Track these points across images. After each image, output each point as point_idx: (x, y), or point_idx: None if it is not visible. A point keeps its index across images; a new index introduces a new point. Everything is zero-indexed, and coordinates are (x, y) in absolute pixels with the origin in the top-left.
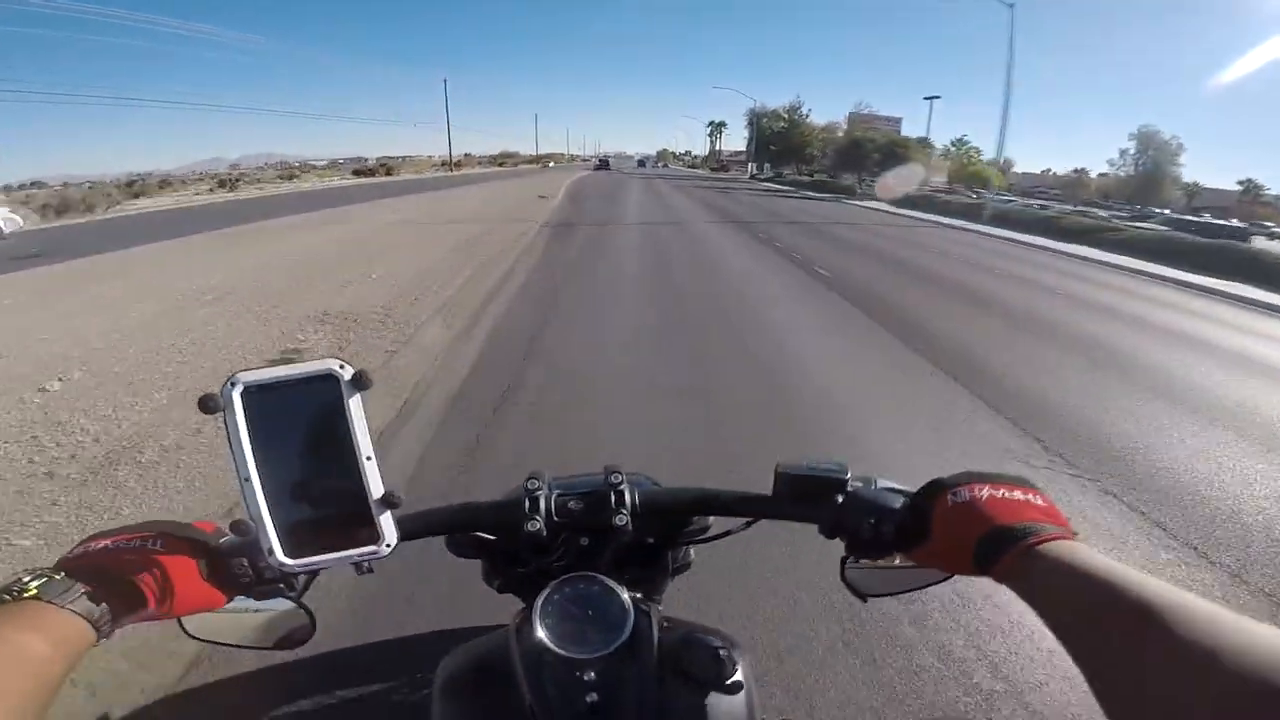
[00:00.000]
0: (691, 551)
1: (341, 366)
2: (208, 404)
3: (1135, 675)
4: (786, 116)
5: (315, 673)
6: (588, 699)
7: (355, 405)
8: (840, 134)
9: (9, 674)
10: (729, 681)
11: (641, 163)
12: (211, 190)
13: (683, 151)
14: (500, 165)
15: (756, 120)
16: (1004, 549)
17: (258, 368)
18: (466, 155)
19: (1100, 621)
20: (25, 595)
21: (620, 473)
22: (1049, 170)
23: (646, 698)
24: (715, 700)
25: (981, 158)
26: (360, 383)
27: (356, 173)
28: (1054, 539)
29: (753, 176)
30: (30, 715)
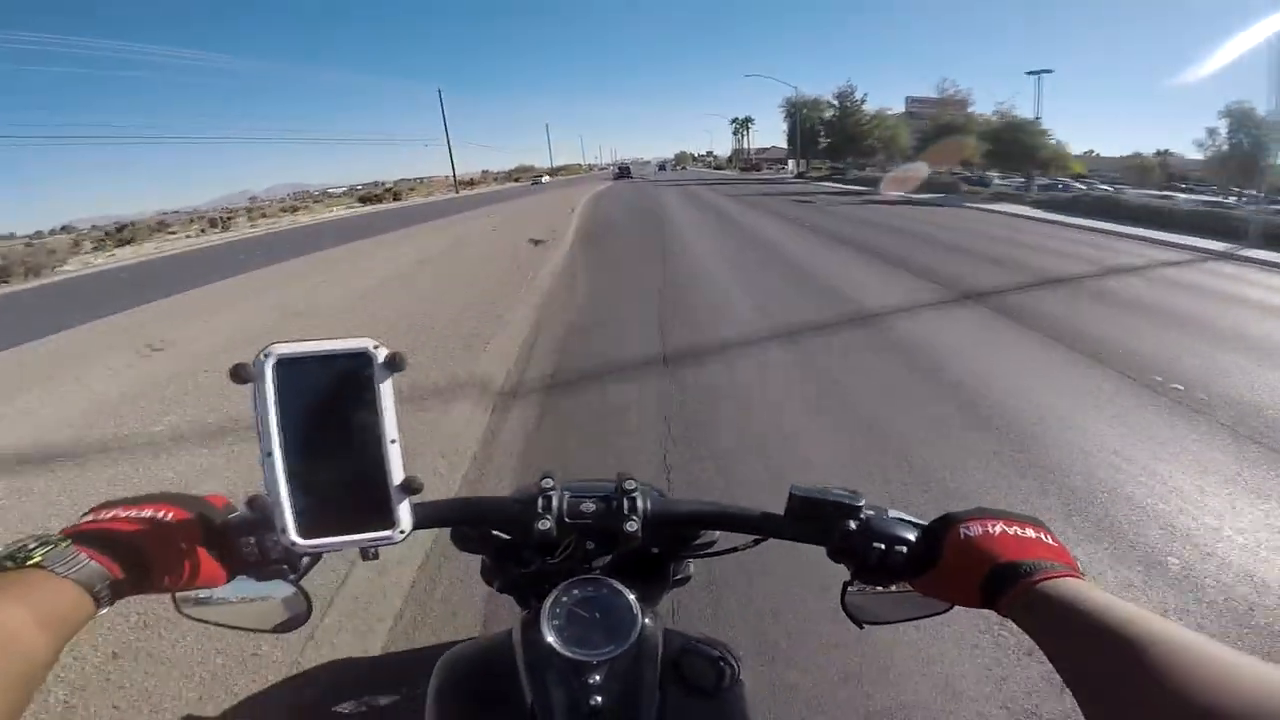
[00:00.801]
0: (691, 565)
1: (376, 346)
2: (240, 373)
3: (1129, 709)
4: (836, 104)
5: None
6: (591, 701)
7: (386, 387)
8: (890, 121)
9: (4, 633)
10: (729, 690)
11: (662, 167)
12: (203, 231)
13: (704, 153)
14: (516, 180)
15: (796, 111)
16: (1011, 584)
17: (294, 340)
18: (484, 172)
19: (1097, 656)
20: (29, 563)
21: (634, 480)
22: (1091, 151)
23: (649, 703)
24: (715, 708)
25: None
26: (394, 365)
27: (363, 199)
28: (1060, 576)
29: (800, 175)
30: (16, 688)
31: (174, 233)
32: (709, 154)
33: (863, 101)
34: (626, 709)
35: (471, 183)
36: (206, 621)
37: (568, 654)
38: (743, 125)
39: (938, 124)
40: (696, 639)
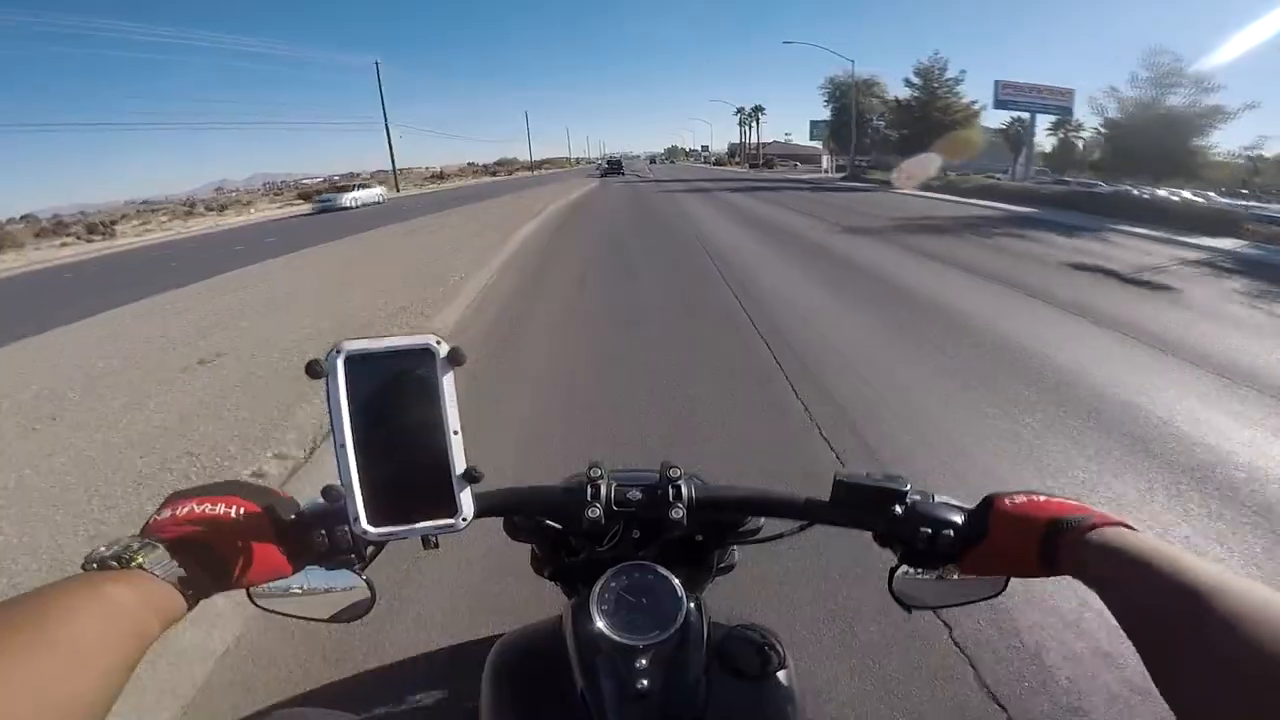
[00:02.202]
0: (737, 553)
1: (438, 342)
2: (313, 369)
3: (1195, 656)
4: (919, 82)
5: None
6: (639, 685)
7: (448, 381)
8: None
9: (112, 632)
10: (775, 675)
11: (652, 160)
12: (78, 238)
13: (699, 147)
14: (493, 175)
15: (844, 93)
16: (1065, 536)
17: (360, 337)
18: (470, 164)
19: (1161, 604)
20: (131, 564)
21: (678, 468)
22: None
23: (695, 687)
24: (761, 692)
25: None
26: (455, 359)
27: (301, 196)
28: (1113, 524)
29: (847, 176)
30: (124, 669)
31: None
32: (704, 148)
33: (957, 82)
34: (673, 692)
35: (442, 175)
36: (277, 612)
37: (615, 638)
38: (751, 115)
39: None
40: (741, 625)
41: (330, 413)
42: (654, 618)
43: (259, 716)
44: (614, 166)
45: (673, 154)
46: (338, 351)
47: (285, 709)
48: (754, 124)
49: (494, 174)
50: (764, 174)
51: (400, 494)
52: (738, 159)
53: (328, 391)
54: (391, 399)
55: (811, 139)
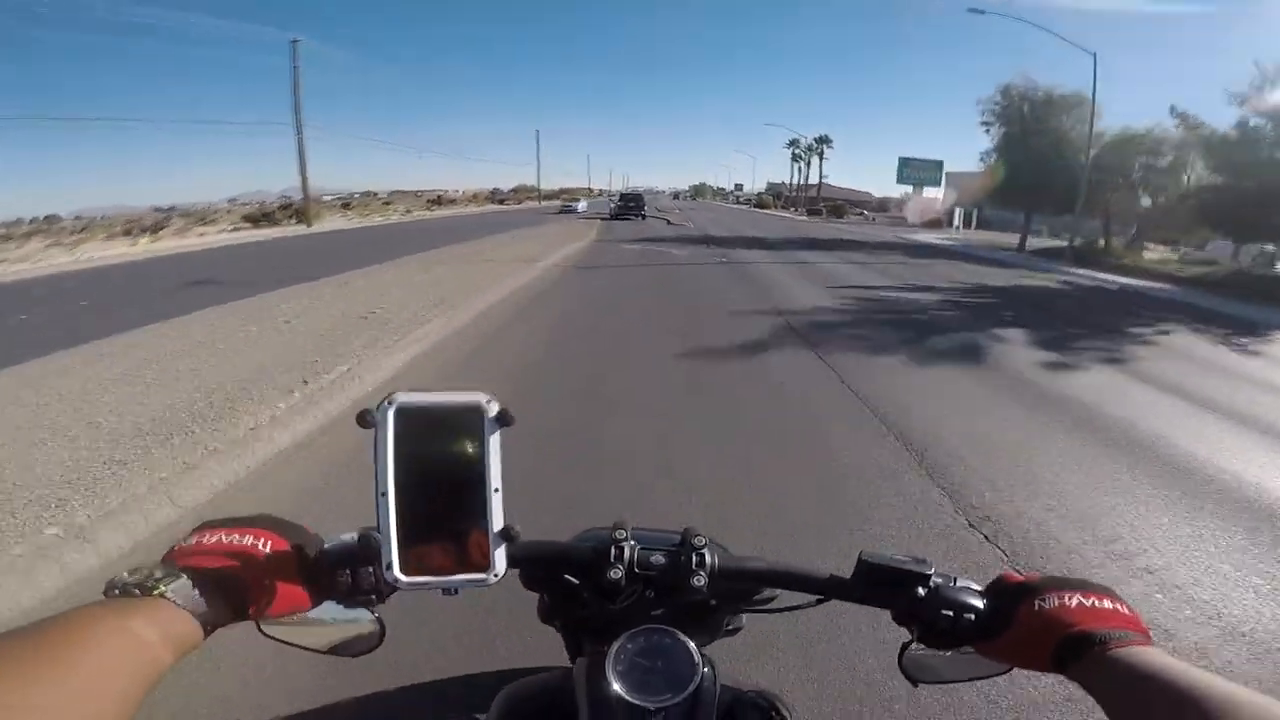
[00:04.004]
0: (744, 617)
1: (489, 401)
2: (365, 418)
3: None
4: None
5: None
6: None
7: (494, 440)
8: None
9: (128, 660)
10: None
11: (675, 196)
12: None
13: (733, 186)
14: (501, 204)
15: (1042, 114)
16: (1083, 651)
17: (415, 390)
18: (477, 192)
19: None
20: (154, 592)
21: (700, 535)
22: None
23: None
24: None
25: None
26: (503, 419)
27: (251, 219)
28: (1132, 645)
29: (1047, 255)
30: (136, 698)
31: None
32: (738, 187)
33: None
34: None
35: (440, 201)
36: (282, 641)
37: (629, 700)
38: (811, 150)
39: None
40: (750, 690)
41: (375, 461)
42: (668, 681)
43: None
44: (631, 204)
45: (699, 191)
46: (390, 403)
47: None
48: (815, 159)
49: (502, 202)
50: (840, 227)
51: (435, 545)
52: (785, 201)
53: (375, 441)
54: (437, 453)
55: (900, 181)
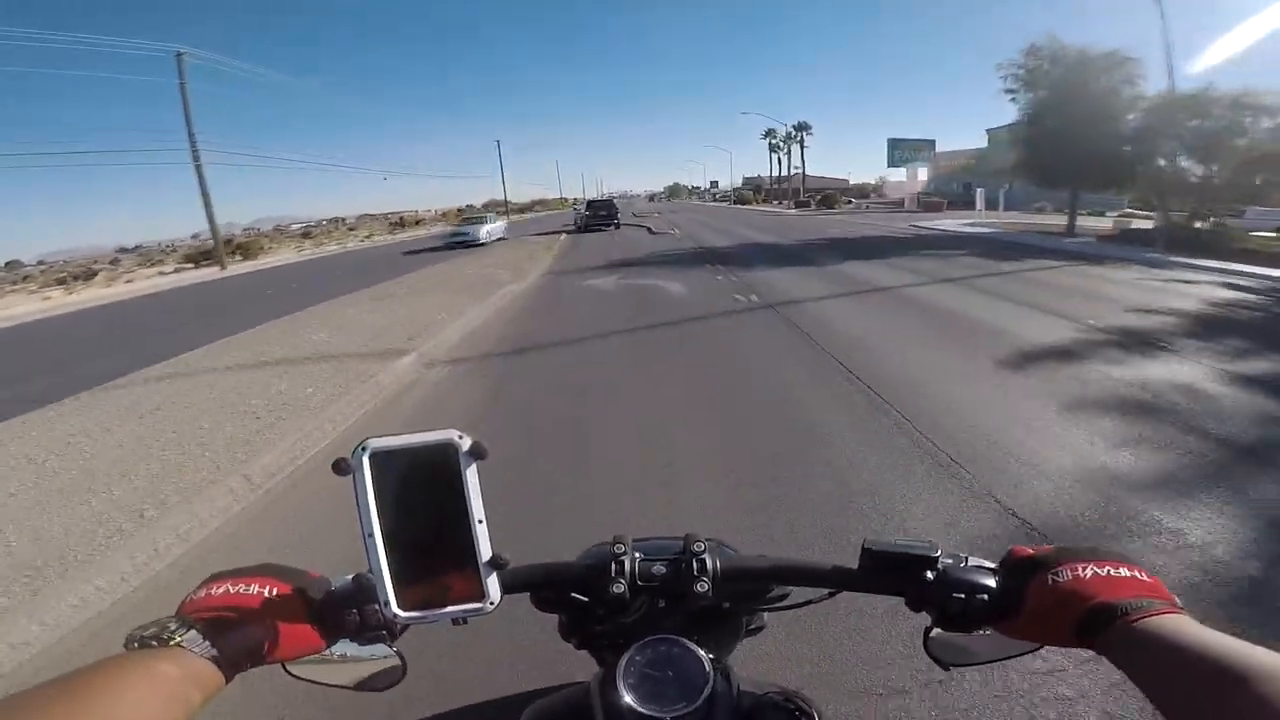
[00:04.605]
0: (764, 615)
1: (460, 437)
2: (340, 466)
3: None
4: None
5: None
6: None
7: (471, 473)
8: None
9: (159, 703)
10: None
11: (651, 198)
12: None
13: (708, 184)
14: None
15: (1079, 75)
16: (1108, 623)
17: (386, 435)
18: (462, 209)
19: (1200, 693)
20: (171, 643)
21: (701, 541)
22: None
23: None
24: None
25: None
26: (476, 452)
27: (191, 259)
28: (1160, 614)
29: (1119, 238)
30: None
31: None
32: (713, 184)
33: None
34: None
35: (403, 222)
36: (308, 680)
37: (641, 711)
38: (789, 138)
39: None
40: (772, 691)
41: (358, 506)
42: (680, 690)
43: None
44: (602, 213)
45: (674, 192)
46: (363, 449)
47: None
48: (794, 148)
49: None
50: (844, 220)
51: (428, 579)
52: (765, 195)
53: (355, 487)
54: (417, 491)
55: (892, 164)
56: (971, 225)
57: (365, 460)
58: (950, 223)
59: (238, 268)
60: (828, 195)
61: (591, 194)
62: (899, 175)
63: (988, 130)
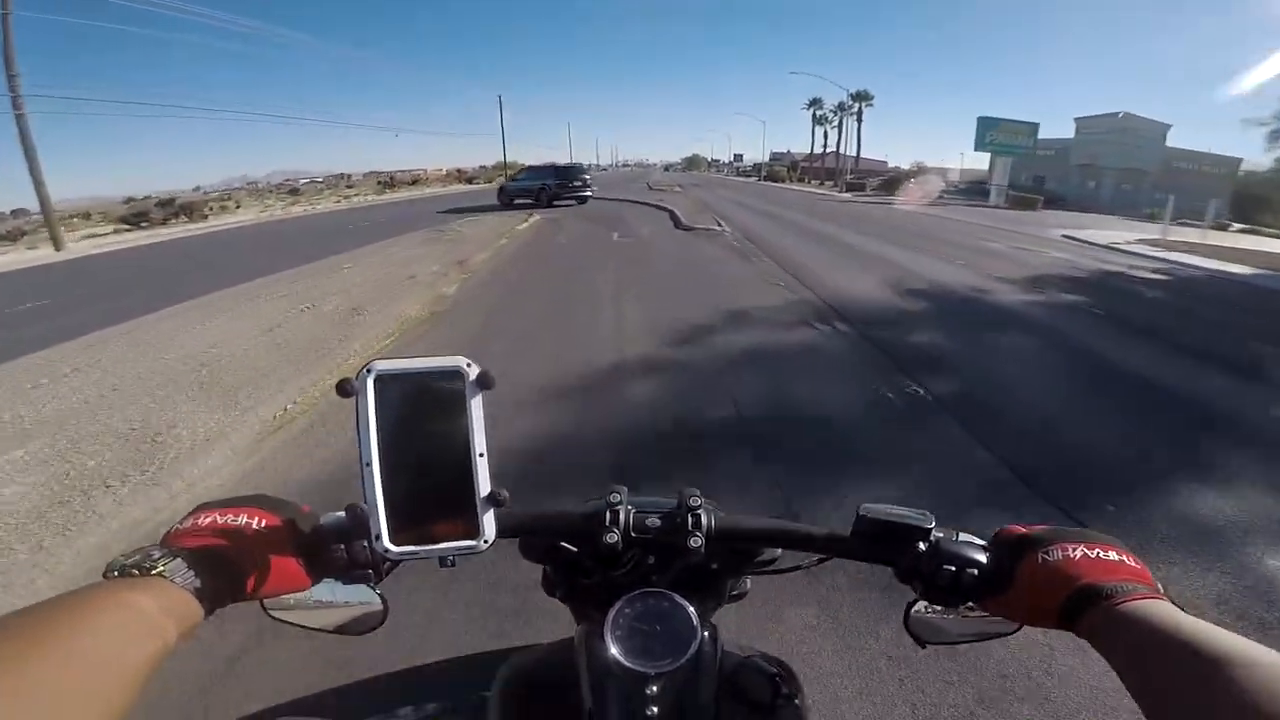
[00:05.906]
0: (749, 581)
1: (469, 365)
2: (344, 388)
3: None
4: None
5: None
6: (647, 712)
7: (476, 403)
8: None
9: (132, 636)
10: (785, 707)
11: (667, 168)
12: None
13: (732, 156)
14: (470, 183)
15: None
16: (1091, 606)
17: (392, 357)
18: (481, 167)
19: (1176, 677)
20: (153, 572)
21: (698, 496)
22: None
23: (705, 716)
24: None
25: None
26: (483, 382)
27: (125, 220)
28: (1142, 598)
29: None
30: (142, 675)
31: None
32: (737, 157)
33: None
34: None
35: (393, 182)
36: (288, 623)
37: (628, 665)
38: (843, 109)
39: None
40: (754, 654)
41: (358, 431)
42: (667, 645)
43: None
44: (566, 182)
45: (693, 164)
46: (368, 371)
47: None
48: (849, 121)
49: (471, 180)
50: (956, 220)
51: (423, 514)
52: (802, 173)
53: (356, 410)
54: (420, 419)
55: (980, 148)
56: (1182, 249)
57: (370, 383)
58: (1119, 235)
59: (220, 222)
60: (890, 179)
61: (606, 160)
62: (946, 160)
63: (1076, 119)
